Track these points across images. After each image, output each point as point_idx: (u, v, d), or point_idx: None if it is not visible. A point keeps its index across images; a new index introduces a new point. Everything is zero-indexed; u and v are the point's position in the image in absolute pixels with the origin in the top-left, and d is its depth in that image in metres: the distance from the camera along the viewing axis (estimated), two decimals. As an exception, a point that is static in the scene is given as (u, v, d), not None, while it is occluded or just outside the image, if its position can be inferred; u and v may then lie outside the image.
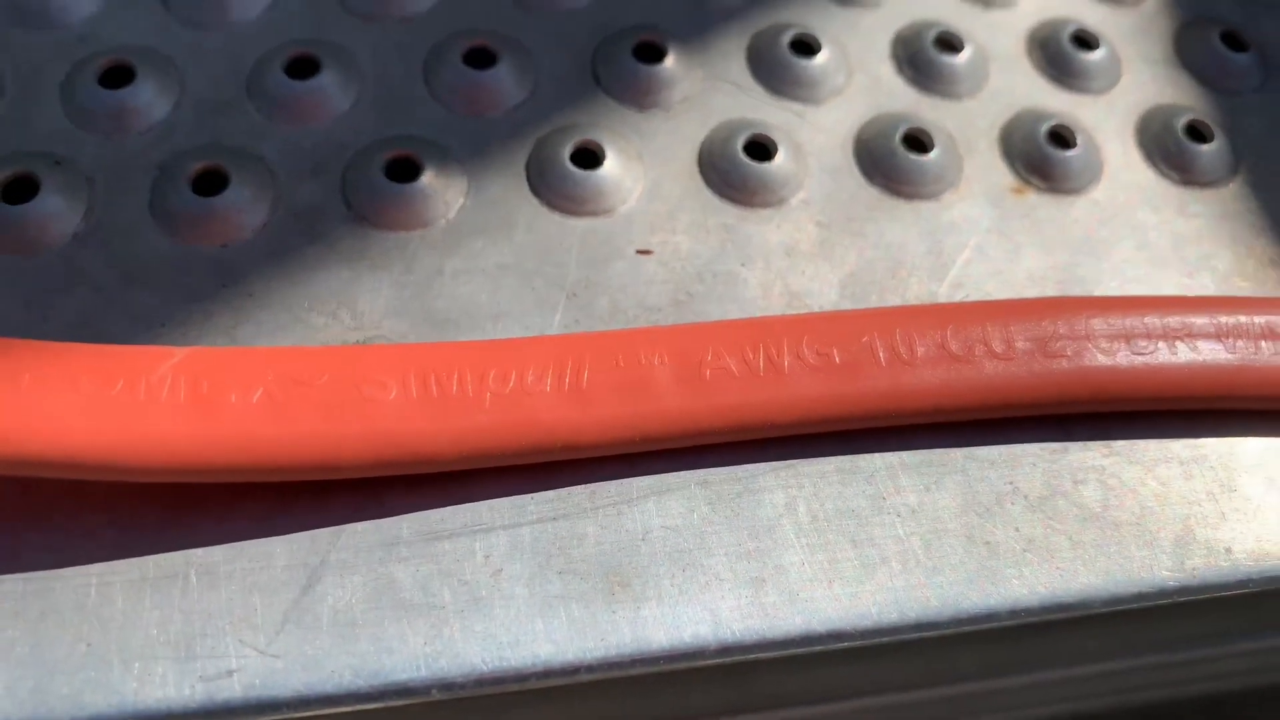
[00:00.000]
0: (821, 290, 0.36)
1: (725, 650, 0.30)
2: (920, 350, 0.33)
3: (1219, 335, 0.34)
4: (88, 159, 0.36)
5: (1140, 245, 0.38)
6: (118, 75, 0.37)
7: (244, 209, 0.35)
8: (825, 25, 0.42)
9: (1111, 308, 0.34)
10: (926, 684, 0.36)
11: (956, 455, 0.33)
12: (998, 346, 0.33)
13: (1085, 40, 0.43)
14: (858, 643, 0.30)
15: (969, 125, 0.40)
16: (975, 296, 0.36)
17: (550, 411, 0.31)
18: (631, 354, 0.32)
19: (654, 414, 0.31)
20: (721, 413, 0.32)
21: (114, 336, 0.32)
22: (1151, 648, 0.37)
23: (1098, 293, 0.37)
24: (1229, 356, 0.34)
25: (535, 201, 0.37)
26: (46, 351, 0.29)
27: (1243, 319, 0.35)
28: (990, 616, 0.31)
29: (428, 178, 0.36)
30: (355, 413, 0.30)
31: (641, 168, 0.38)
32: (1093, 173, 0.40)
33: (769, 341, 0.33)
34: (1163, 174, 0.40)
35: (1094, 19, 0.44)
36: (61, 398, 0.28)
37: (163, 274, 0.34)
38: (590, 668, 0.29)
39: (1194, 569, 0.32)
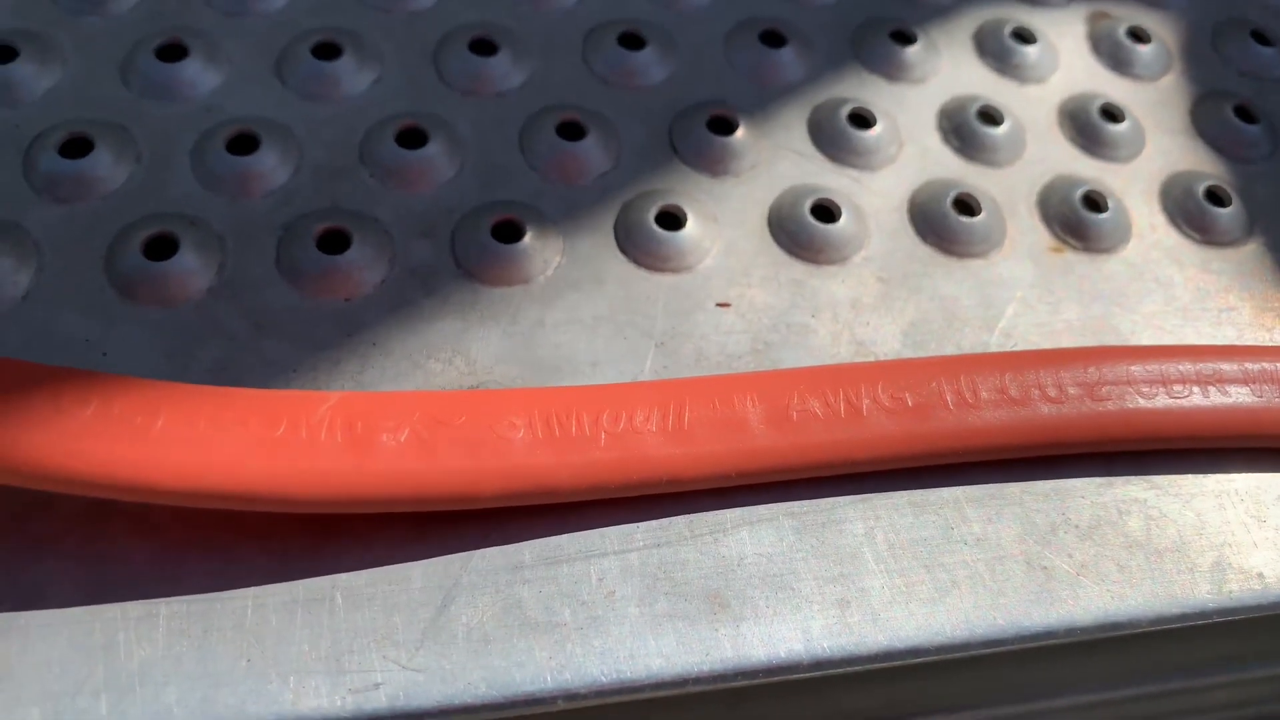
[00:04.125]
0: (885, 339, 0.37)
1: (817, 665, 0.31)
2: (983, 394, 0.34)
3: (1246, 380, 0.35)
4: (218, 220, 0.37)
5: (1168, 299, 0.39)
6: (243, 143, 0.38)
7: (364, 266, 0.36)
8: (877, 100, 0.43)
9: (1150, 356, 0.35)
10: (989, 702, 0.37)
11: (1015, 489, 0.34)
12: (1051, 391, 0.34)
13: (1111, 113, 0.44)
14: (933, 658, 0.32)
15: (1010, 190, 0.41)
16: (1022, 345, 0.37)
17: (656, 449, 0.32)
18: (726, 397, 0.33)
19: (747, 451, 0.32)
20: (807, 451, 0.33)
21: (250, 382, 0.33)
22: (1192, 666, 0.38)
23: (1131, 342, 0.38)
24: (1256, 400, 0.35)
25: (623, 259, 0.38)
26: (218, 396, 0.31)
27: (1267, 365, 0.36)
28: (1049, 634, 0.32)
29: (528, 239, 0.37)
30: (490, 450, 0.31)
31: (717, 229, 0.39)
32: (1123, 233, 0.41)
33: (848, 386, 0.34)
34: (1186, 234, 0.41)
35: (1118, 93, 0.45)
36: (234, 438, 0.29)
37: (291, 325, 0.35)
38: (698, 680, 0.30)
39: (1231, 592, 0.33)
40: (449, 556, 0.31)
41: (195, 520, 0.31)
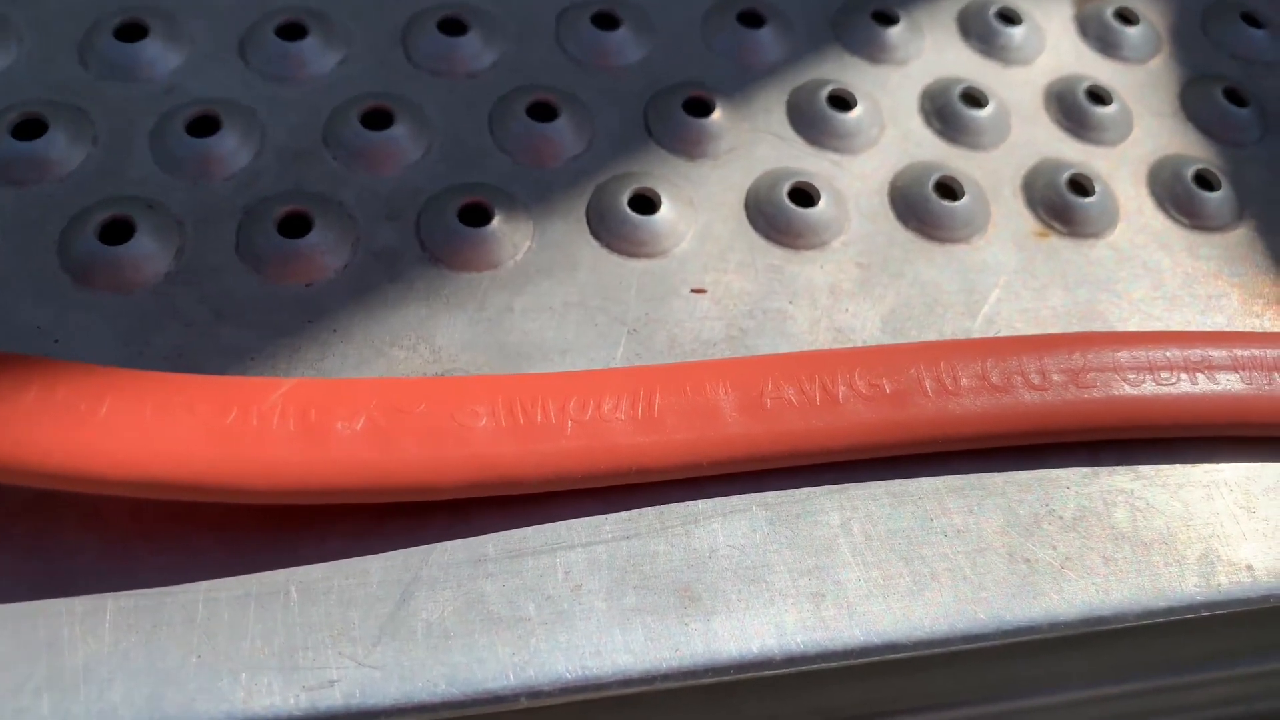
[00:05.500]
0: (864, 326, 0.36)
1: (790, 660, 0.30)
2: (964, 381, 0.33)
3: (1235, 367, 0.35)
4: (177, 203, 0.36)
5: (1156, 285, 0.38)
6: (204, 125, 0.37)
7: (327, 250, 0.35)
8: (858, 82, 0.42)
9: (1136, 342, 0.35)
10: (970, 699, 0.36)
11: (997, 479, 0.33)
12: (1034, 378, 0.33)
13: (1098, 95, 0.43)
14: (911, 654, 0.31)
15: (994, 174, 0.40)
16: (1006, 332, 0.36)
17: (625, 437, 0.31)
18: (698, 384, 0.32)
19: (719, 440, 0.32)
20: (781, 439, 0.32)
21: (207, 369, 0.32)
22: (1182, 662, 0.37)
23: (1118, 328, 0.37)
24: (1244, 387, 0.34)
25: (595, 244, 0.37)
26: (166, 382, 0.30)
27: (1256, 352, 0.35)
28: (1032, 629, 0.31)
29: (497, 223, 0.36)
30: (451, 439, 0.30)
31: (693, 213, 0.38)
32: (1109, 218, 0.40)
33: (824, 373, 0.33)
34: (1174, 219, 0.40)
35: (1105, 75, 0.44)
36: (182, 425, 0.29)
37: (251, 311, 0.34)
38: (667, 676, 0.29)
39: (1219, 585, 0.32)
40: (408, 549, 0.30)
41: (146, 511, 0.30)
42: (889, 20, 0.44)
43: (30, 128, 0.37)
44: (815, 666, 0.30)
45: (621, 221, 0.37)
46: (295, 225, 0.36)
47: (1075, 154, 0.42)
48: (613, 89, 0.41)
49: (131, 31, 0.39)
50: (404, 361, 0.34)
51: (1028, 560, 0.32)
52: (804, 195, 0.38)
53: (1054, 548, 0.32)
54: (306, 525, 0.30)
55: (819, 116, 0.41)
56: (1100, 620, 0.32)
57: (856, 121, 0.41)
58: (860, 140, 0.41)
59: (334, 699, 0.28)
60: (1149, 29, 0.46)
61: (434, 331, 0.34)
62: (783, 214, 0.38)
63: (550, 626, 0.30)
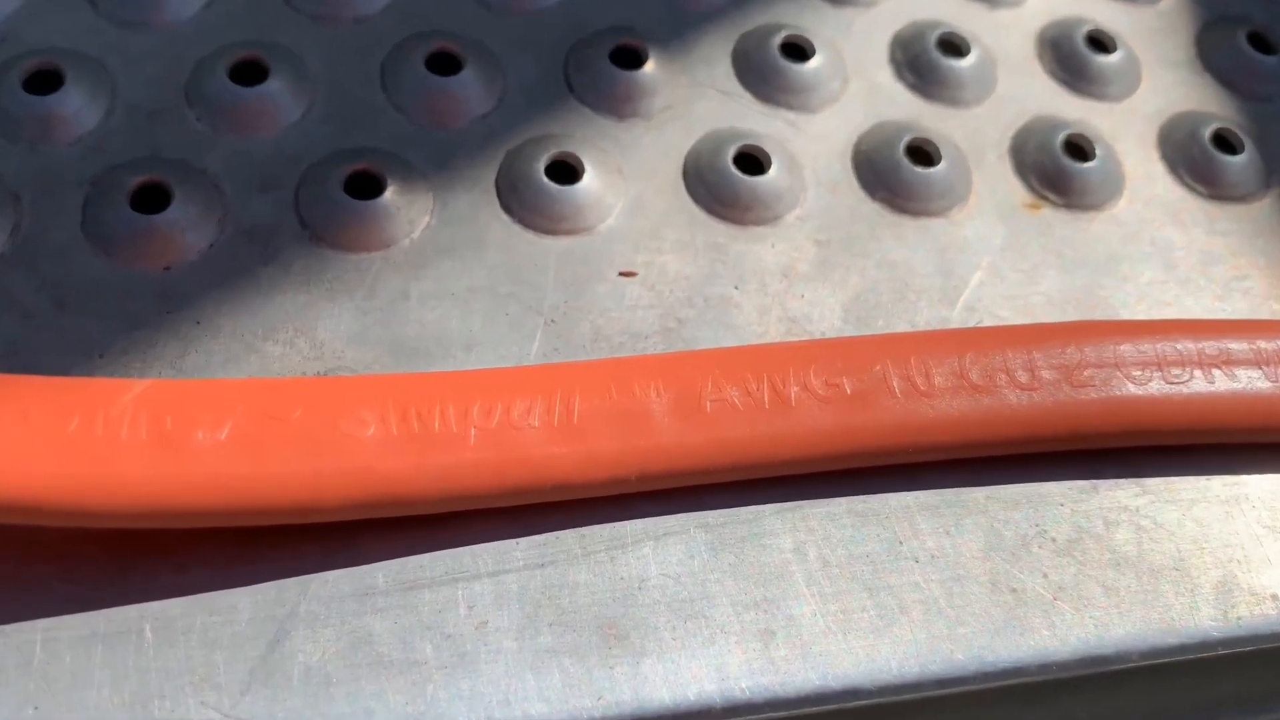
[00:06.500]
0: (822, 315, 0.37)
1: (733, 710, 0.30)
2: (938, 380, 0.33)
3: (1259, 362, 0.35)
4: (13, 171, 0.36)
5: (1166, 265, 0.39)
6: (43, 80, 0.38)
7: (188, 228, 0.35)
8: (817, 27, 0.43)
9: (1142, 332, 0.35)
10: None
11: (978, 495, 0.34)
12: (1021, 376, 0.34)
13: (1100, 42, 0.44)
14: (875, 700, 0.31)
15: (977, 135, 0.41)
16: (990, 321, 0.37)
17: (539, 448, 0.31)
18: (625, 385, 0.33)
19: (650, 450, 0.32)
20: (723, 449, 0.32)
21: (46, 368, 0.33)
22: (1195, 710, 0.38)
23: (1122, 317, 0.37)
24: (1270, 385, 0.35)
25: (507, 219, 0.37)
26: (-4, 383, 0.30)
27: (1285, 344, 0.35)
28: (1019, 670, 0.32)
29: (389, 194, 0.37)
30: (332, 450, 0.30)
31: (622, 182, 0.38)
32: (1113, 186, 0.41)
33: (774, 371, 0.33)
34: (1189, 187, 0.41)
35: (1108, 18, 0.45)
36: (10, 434, 0.29)
37: (99, 299, 0.34)
38: (588, 728, 0.29)
39: (1239, 618, 0.33)
40: (284, 581, 0.31)
41: (-29, 538, 0.30)
42: (854, -48, 0.44)
43: None
44: (763, 716, 0.30)
45: (537, 192, 0.37)
46: (152, 198, 0.36)
47: (1073, 111, 0.42)
48: (527, 36, 0.41)
49: (-45, -29, 0.39)
50: (280, 359, 0.34)
51: (1014, 590, 0.32)
52: (752, 161, 0.39)
53: (1045, 575, 0.33)
54: (163, 553, 0.30)
55: (770, 68, 0.41)
56: (1100, 660, 0.32)
57: (814, 73, 0.42)
58: (819, 96, 0.41)
59: (196, 757, 0.28)
60: (1161, -38, 0.46)
61: (315, 323, 0.35)
62: (727, 183, 0.38)
63: (450, 671, 0.30)
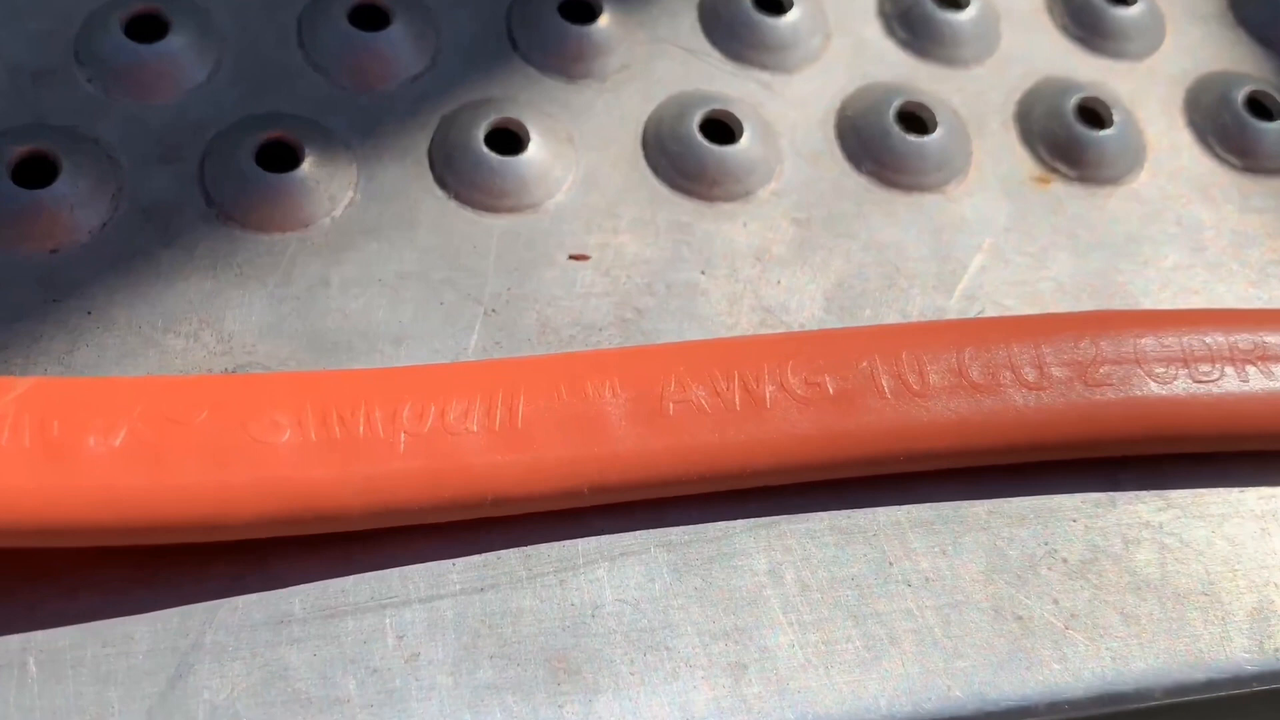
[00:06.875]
0: (801, 304, 0.36)
1: (700, 754, 0.29)
2: (933, 378, 0.33)
3: (1300, 357, 0.34)
4: (-125, 141, 0.35)
5: (1194, 247, 0.38)
6: (-91, 37, 0.37)
7: (77, 204, 0.35)
8: (796, -26, 0.42)
9: (1166, 323, 0.34)
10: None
11: (979, 509, 0.33)
12: (1028, 373, 0.33)
13: (1118, -9, 0.43)
14: (862, 743, 0.30)
15: (978, 99, 0.41)
16: (992, 312, 0.36)
17: (478, 455, 0.31)
18: (576, 384, 0.32)
19: (605, 458, 0.31)
20: (688, 456, 0.32)
21: (-88, 366, 0.32)
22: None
23: (1143, 305, 0.37)
24: (1313, 384, 0.34)
25: (441, 195, 0.37)
26: None
27: (1328, 337, 0.34)
28: (1025, 709, 0.31)
29: (307, 166, 0.36)
30: (241, 458, 0.29)
31: (573, 152, 0.38)
32: (1133, 158, 0.40)
33: (746, 367, 0.32)
34: (1219, 158, 0.41)
35: (1127, -34, 0.44)
36: None
37: (-26, 287, 0.33)
38: (532, 776, 0.29)
39: (1276, 649, 0.32)
40: (186, 607, 0.30)
41: None
42: (835, -111, 0.44)
43: None
44: (734, 762, 0.30)
45: (475, 164, 0.37)
46: (35, 171, 0.35)
47: (1088, 71, 0.42)
48: (465, -14, 0.40)
49: None
50: (182, 354, 0.33)
51: (1020, 618, 0.32)
52: (722, 128, 0.38)
53: (1055, 601, 0.32)
54: (49, 576, 0.30)
55: (742, 21, 0.41)
56: (1117, 698, 0.31)
57: (792, 28, 0.41)
58: (798, 54, 0.41)
59: (83, 810, 0.27)
60: (1187, -98, 0.46)
61: (222, 313, 0.34)
62: (692, 153, 0.38)
63: (377, 710, 0.29)
